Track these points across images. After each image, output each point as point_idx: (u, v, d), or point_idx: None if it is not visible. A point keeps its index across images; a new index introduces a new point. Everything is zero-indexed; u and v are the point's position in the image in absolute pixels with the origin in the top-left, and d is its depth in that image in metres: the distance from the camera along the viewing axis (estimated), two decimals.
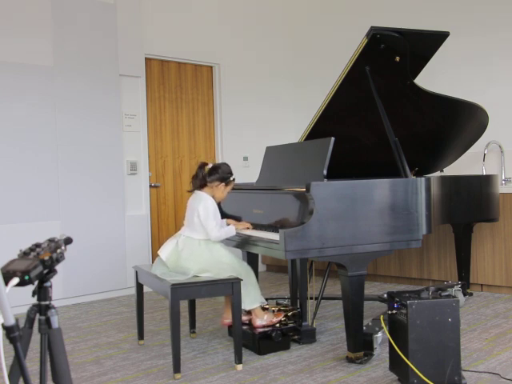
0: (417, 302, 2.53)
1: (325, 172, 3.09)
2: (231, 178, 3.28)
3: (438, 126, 4.01)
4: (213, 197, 3.23)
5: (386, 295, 3.13)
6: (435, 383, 2.50)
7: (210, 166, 3.28)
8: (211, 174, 3.23)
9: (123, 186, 5.13)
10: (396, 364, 2.68)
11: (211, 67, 5.97)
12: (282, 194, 3.23)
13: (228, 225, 3.36)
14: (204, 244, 3.19)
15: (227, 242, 3.43)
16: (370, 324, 3.21)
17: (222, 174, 3.24)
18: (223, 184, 3.24)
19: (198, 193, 3.25)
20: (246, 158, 6.11)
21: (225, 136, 5.96)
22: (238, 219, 3.55)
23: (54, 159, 4.70)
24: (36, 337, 1.52)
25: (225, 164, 3.34)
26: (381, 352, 3.12)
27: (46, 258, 1.49)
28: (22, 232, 4.46)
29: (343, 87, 3.50)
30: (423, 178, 3.12)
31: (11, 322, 1.36)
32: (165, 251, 3.22)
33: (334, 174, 3.42)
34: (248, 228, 3.34)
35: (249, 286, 3.20)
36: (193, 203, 3.24)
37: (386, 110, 3.41)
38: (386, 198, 3.00)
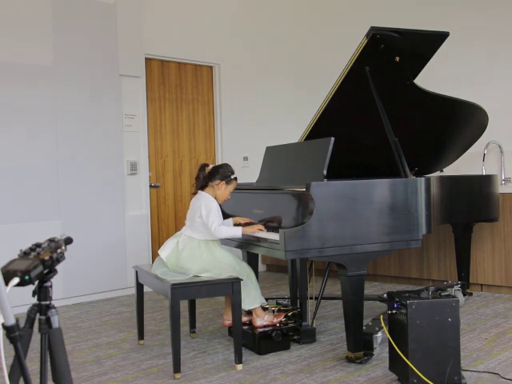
0: (416, 302, 2.54)
1: (325, 172, 3.09)
2: (232, 177, 3.26)
3: (437, 126, 4.01)
4: (215, 197, 3.22)
5: (385, 295, 3.12)
6: (435, 383, 2.50)
7: (211, 167, 3.28)
8: (212, 176, 3.23)
9: (123, 185, 5.13)
10: (396, 364, 2.68)
11: (211, 67, 5.97)
12: (281, 194, 3.23)
13: (236, 224, 3.35)
14: (204, 245, 3.18)
15: (227, 241, 3.43)
16: (370, 324, 3.21)
17: (222, 173, 3.23)
18: (224, 182, 3.22)
19: (200, 193, 3.24)
20: (246, 158, 6.11)
21: (225, 136, 5.96)
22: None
23: (54, 159, 4.70)
24: (36, 337, 1.52)
25: (226, 164, 3.33)
26: (381, 352, 3.12)
27: (47, 257, 1.49)
28: (22, 232, 4.46)
29: (343, 87, 3.50)
30: (423, 178, 3.12)
31: (11, 321, 1.36)
32: (165, 251, 3.22)
33: (333, 173, 3.43)
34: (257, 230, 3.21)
35: (249, 286, 3.20)
36: (195, 203, 3.23)
37: (385, 110, 3.41)
38: (386, 198, 3.00)
